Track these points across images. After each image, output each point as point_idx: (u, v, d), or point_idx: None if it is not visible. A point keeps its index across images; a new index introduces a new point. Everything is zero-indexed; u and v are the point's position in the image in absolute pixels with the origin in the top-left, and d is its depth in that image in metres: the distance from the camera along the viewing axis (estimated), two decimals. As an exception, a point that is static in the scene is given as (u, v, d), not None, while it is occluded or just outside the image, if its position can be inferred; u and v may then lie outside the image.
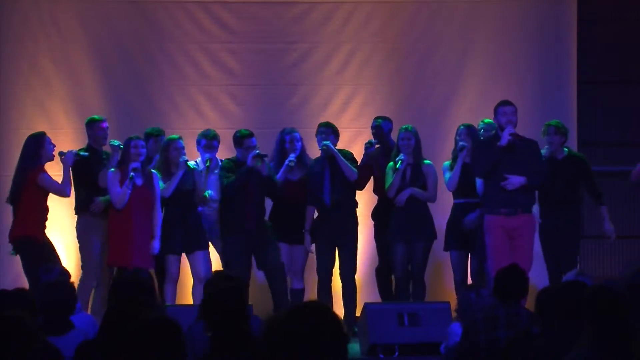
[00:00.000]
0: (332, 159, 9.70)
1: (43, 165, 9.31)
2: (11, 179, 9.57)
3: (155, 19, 10.91)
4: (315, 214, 9.82)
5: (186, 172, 9.38)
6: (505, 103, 9.07)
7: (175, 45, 10.92)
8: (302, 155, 9.84)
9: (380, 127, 10.01)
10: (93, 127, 9.69)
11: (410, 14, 11.08)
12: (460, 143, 9.56)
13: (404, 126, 9.72)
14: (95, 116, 9.80)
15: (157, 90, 10.89)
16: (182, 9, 10.92)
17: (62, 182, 9.33)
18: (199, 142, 9.84)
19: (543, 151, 9.39)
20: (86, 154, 9.42)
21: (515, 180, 8.87)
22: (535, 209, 9.26)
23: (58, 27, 10.81)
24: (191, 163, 9.49)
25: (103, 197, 9.44)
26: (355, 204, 9.82)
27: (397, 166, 9.47)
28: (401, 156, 9.52)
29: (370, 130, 10.10)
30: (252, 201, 9.44)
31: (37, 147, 9.32)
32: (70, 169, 9.38)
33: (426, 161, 9.68)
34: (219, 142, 9.84)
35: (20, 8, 10.77)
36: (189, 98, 10.88)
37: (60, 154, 9.35)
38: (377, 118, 10.15)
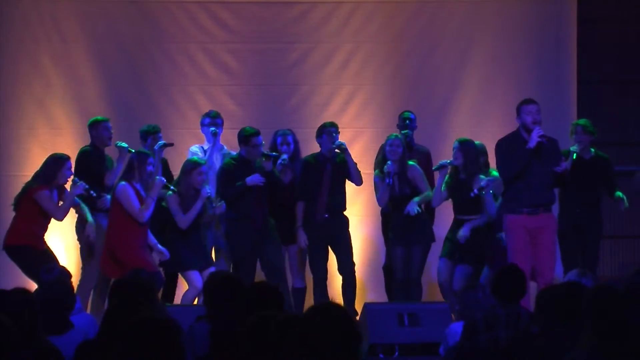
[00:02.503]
0: (333, 159, 9.68)
1: (50, 185, 9.18)
2: (11, 178, 9.57)
3: (155, 19, 10.91)
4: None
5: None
6: (529, 102, 8.78)
7: (175, 45, 10.93)
8: (294, 157, 9.83)
9: (410, 119, 9.98)
10: (98, 128, 9.63)
11: (410, 14, 11.08)
12: (440, 162, 9.50)
13: (392, 134, 9.69)
14: (99, 117, 9.77)
15: (157, 90, 10.89)
16: (182, 9, 10.92)
17: (61, 205, 9.16)
18: (202, 123, 9.91)
19: (572, 148, 9.39)
20: (95, 194, 9.30)
21: (534, 135, 8.58)
22: None
23: (58, 27, 10.81)
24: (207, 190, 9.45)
25: (91, 221, 9.38)
26: (345, 208, 9.78)
27: (388, 180, 9.42)
28: (388, 166, 9.48)
29: (397, 125, 10.08)
30: (259, 200, 9.44)
31: (55, 170, 9.18)
32: (75, 168, 9.35)
33: (410, 162, 9.64)
34: (222, 120, 9.88)
35: (20, 8, 10.77)
36: (189, 98, 10.88)
37: (75, 181, 9.24)
38: (405, 112, 10.15)
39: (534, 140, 8.61)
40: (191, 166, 9.34)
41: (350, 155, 9.65)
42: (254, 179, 9.34)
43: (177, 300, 9.61)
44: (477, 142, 9.66)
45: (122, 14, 10.87)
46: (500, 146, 8.95)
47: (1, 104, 10.76)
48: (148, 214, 8.99)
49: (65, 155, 9.31)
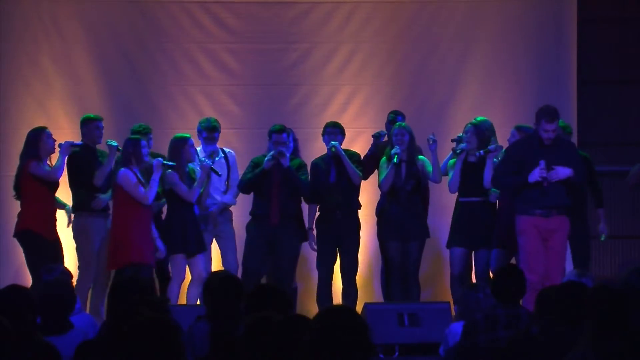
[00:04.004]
0: (339, 160, 9.70)
1: (37, 157, 9.28)
2: (11, 178, 9.61)
3: (155, 19, 10.92)
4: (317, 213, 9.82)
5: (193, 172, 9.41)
6: (549, 119, 8.67)
7: (175, 45, 10.92)
8: (294, 155, 9.84)
9: (396, 121, 10.01)
10: (89, 125, 9.67)
11: (410, 14, 11.08)
12: (460, 146, 9.52)
13: (398, 123, 9.75)
14: (91, 115, 9.80)
15: (157, 90, 10.90)
16: (182, 9, 10.92)
17: (53, 166, 9.30)
18: (200, 133, 9.90)
19: None
20: (80, 142, 9.42)
21: (561, 172, 8.67)
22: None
23: (58, 27, 10.81)
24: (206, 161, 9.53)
25: (104, 194, 9.45)
26: (359, 206, 9.82)
27: (394, 160, 9.46)
28: (396, 149, 9.51)
29: (385, 125, 10.09)
30: (277, 195, 9.46)
31: (36, 141, 9.32)
32: (67, 168, 9.42)
33: (421, 157, 9.67)
34: (219, 132, 9.89)
35: (20, 8, 10.77)
36: (189, 98, 10.88)
37: (59, 145, 9.37)
38: (390, 113, 10.14)
39: (534, 175, 8.61)
40: (181, 142, 9.40)
41: (343, 154, 9.66)
42: (268, 162, 9.39)
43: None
44: (481, 117, 9.74)
45: (122, 14, 10.87)
46: (510, 151, 8.96)
47: (1, 104, 10.76)
48: (152, 195, 9.09)
49: (42, 126, 9.50)
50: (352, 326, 3.73)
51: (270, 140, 9.59)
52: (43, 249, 9.11)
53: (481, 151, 9.40)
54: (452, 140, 9.68)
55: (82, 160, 9.50)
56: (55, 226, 9.38)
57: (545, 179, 8.61)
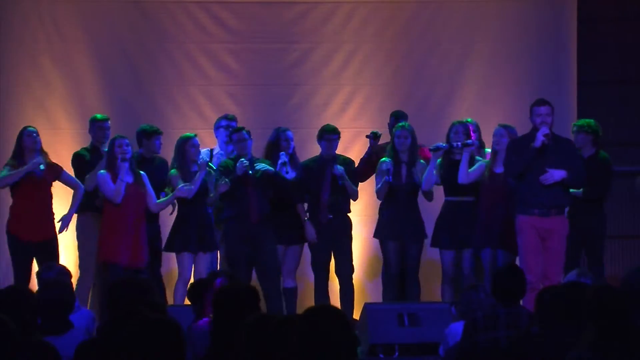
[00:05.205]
0: (333, 161, 9.67)
1: (18, 155, 9.26)
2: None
3: (155, 19, 10.92)
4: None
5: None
6: (539, 103, 8.84)
7: (175, 45, 10.93)
8: (292, 155, 9.83)
9: (398, 120, 10.00)
10: (94, 126, 9.70)
11: (410, 14, 11.08)
12: (437, 144, 9.49)
13: (401, 124, 9.72)
14: (97, 115, 9.82)
15: (157, 90, 10.90)
16: (182, 9, 10.93)
17: (5, 174, 9.23)
18: (220, 125, 9.98)
19: None
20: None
21: (556, 174, 8.67)
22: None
23: (58, 27, 10.81)
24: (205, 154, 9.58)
25: None
26: (348, 209, 9.80)
27: (386, 177, 9.44)
28: (386, 164, 9.48)
29: (388, 125, 10.08)
30: (254, 194, 9.43)
31: (18, 139, 9.37)
32: (72, 168, 9.44)
33: (422, 161, 9.65)
34: (237, 122, 9.97)
35: (20, 8, 10.78)
36: (189, 98, 10.89)
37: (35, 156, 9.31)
38: (392, 116, 10.13)
39: (538, 140, 8.64)
40: (184, 141, 9.46)
41: (347, 180, 9.62)
42: (239, 166, 9.33)
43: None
44: (469, 119, 9.71)
45: (122, 14, 10.87)
46: (511, 145, 8.99)
47: (1, 104, 10.76)
48: (119, 194, 9.07)
49: (29, 125, 9.50)
50: (334, 323, 3.76)
51: (231, 142, 9.57)
52: (15, 251, 9.10)
53: (459, 143, 9.37)
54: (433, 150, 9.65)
55: (87, 161, 9.50)
56: (40, 227, 9.26)
57: (547, 136, 8.63)
